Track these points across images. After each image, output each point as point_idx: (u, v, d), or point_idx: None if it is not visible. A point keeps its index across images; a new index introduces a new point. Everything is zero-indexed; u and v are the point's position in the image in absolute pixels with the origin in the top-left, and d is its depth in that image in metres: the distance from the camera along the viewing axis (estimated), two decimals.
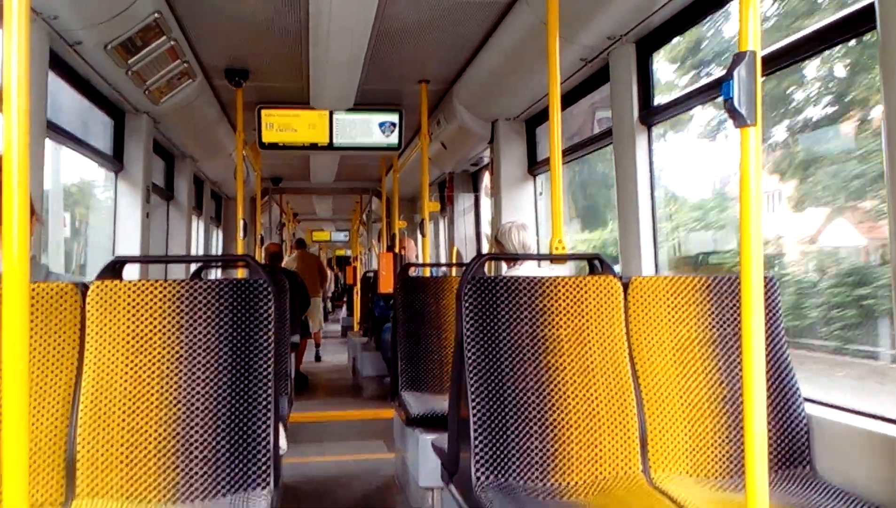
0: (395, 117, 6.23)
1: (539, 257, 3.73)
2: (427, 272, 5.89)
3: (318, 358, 10.55)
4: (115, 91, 4.43)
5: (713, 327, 2.51)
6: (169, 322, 2.19)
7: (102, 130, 4.85)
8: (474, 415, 2.30)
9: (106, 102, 4.65)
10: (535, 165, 5.67)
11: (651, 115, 3.66)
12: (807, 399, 2.46)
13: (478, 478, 2.25)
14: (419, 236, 6.17)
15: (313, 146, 6.25)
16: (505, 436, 2.30)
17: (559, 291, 2.45)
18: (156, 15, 3.74)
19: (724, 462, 2.40)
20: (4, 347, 1.40)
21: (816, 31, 2.55)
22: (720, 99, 1.53)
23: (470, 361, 2.35)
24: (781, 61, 2.75)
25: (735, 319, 2.51)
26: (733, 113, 1.48)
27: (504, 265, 4.00)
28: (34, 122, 3.08)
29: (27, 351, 1.41)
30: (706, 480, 2.35)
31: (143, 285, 2.21)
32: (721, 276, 2.57)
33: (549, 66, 2.94)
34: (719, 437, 2.41)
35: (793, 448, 2.39)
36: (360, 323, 10.58)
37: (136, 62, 4.05)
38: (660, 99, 3.67)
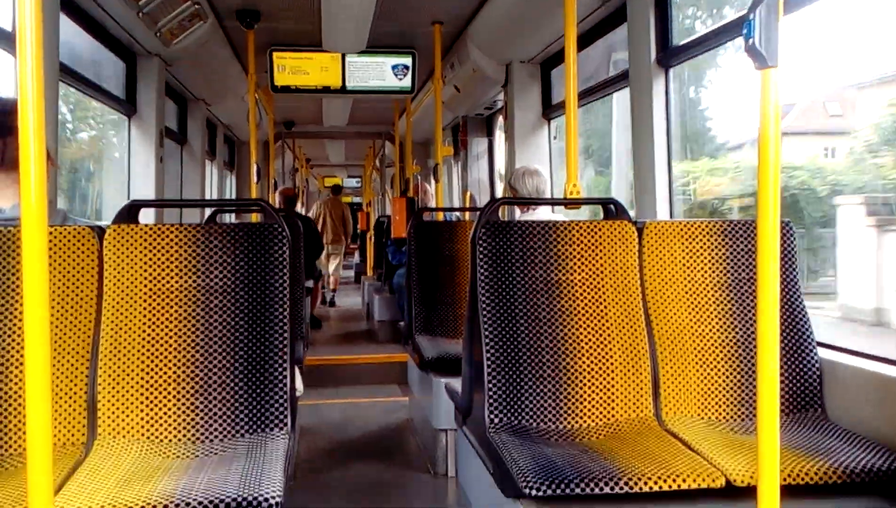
0: (408, 60, 6.15)
1: (553, 202, 3.72)
2: (440, 217, 5.89)
3: (331, 303, 10.64)
4: (126, 33, 4.39)
5: (728, 271, 2.50)
6: (185, 266, 2.21)
7: (114, 72, 4.82)
8: (488, 359, 2.32)
9: (118, 45, 4.62)
10: (550, 108, 5.60)
11: (669, 56, 3.60)
12: (819, 344, 2.47)
13: (491, 420, 2.28)
14: (432, 181, 6.14)
15: (326, 89, 6.21)
16: (518, 379, 2.32)
17: (573, 235, 2.45)
18: None
19: (735, 406, 2.42)
20: (25, 290, 1.42)
21: None
22: (741, 39, 1.49)
23: (484, 305, 2.36)
24: (805, 0, 2.69)
25: (750, 264, 2.50)
26: (754, 54, 1.45)
27: (517, 210, 3.99)
28: (47, 65, 3.05)
29: (47, 294, 1.43)
30: (717, 423, 2.38)
31: (160, 228, 2.22)
32: (736, 220, 2.56)
33: (566, 6, 2.89)
34: (731, 381, 2.43)
35: (805, 392, 2.40)
36: (374, 268, 10.64)
37: (148, 3, 4.01)
38: (678, 39, 3.60)
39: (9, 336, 2.11)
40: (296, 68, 6.05)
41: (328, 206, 11.07)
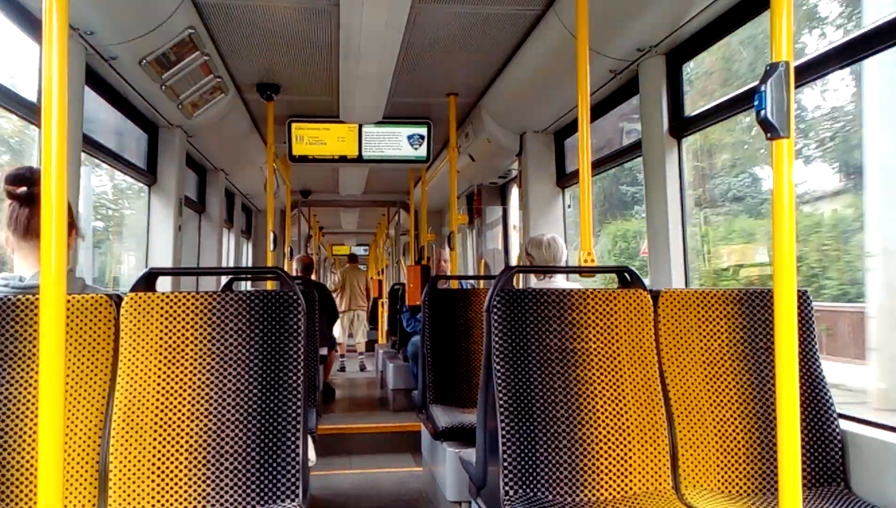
0: (423, 130, 6.25)
1: (568, 270, 3.71)
2: (455, 285, 5.89)
3: (361, 368, 10.89)
4: (149, 105, 4.50)
5: (745, 340, 2.48)
6: (201, 334, 2.22)
7: (136, 143, 4.93)
8: (503, 428, 2.29)
9: (140, 117, 4.73)
10: (564, 177, 5.65)
11: (681, 126, 3.64)
12: (841, 415, 2.42)
13: (506, 492, 2.23)
14: (447, 249, 6.16)
15: (342, 159, 6.29)
16: (534, 450, 2.28)
17: (588, 303, 2.44)
18: (190, 30, 3.80)
19: (755, 479, 2.36)
20: (41, 357, 1.42)
21: (850, 42, 2.52)
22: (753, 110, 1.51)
23: (498, 374, 2.34)
24: (815, 72, 2.72)
25: (767, 332, 2.48)
26: (766, 125, 1.46)
27: (533, 278, 3.98)
28: (71, 136, 3.13)
29: (63, 362, 1.44)
30: (738, 497, 2.32)
31: (176, 296, 2.24)
32: (753, 289, 2.54)
33: (578, 78, 2.94)
34: (751, 453, 2.38)
35: (827, 465, 2.35)
36: (388, 335, 10.63)
37: (170, 77, 4.12)
38: (690, 110, 3.65)
39: (23, 405, 2.11)
40: (313, 138, 6.16)
41: (350, 274, 11.47)
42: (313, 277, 12.71)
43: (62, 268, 1.47)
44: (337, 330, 10.67)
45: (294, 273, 7.73)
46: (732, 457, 2.38)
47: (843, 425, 2.40)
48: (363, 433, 6.13)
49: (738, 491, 2.34)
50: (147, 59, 3.76)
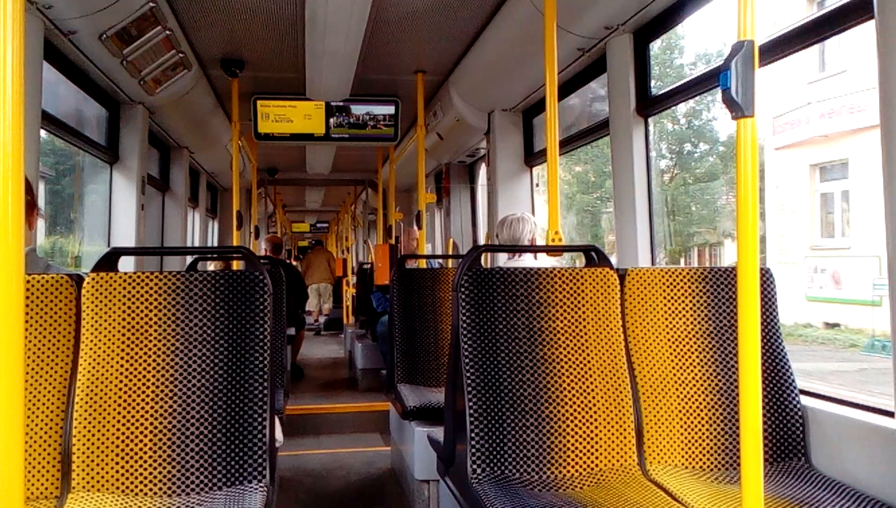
0: (391, 108, 6.20)
1: (535, 249, 3.72)
2: (423, 264, 5.88)
3: (318, 332, 12.46)
4: (110, 81, 4.41)
5: (709, 318, 2.51)
6: (165, 314, 2.19)
7: (97, 120, 4.82)
8: (470, 407, 2.29)
9: (101, 93, 4.63)
10: (532, 155, 5.66)
11: (648, 105, 3.65)
12: (802, 392, 2.47)
13: (473, 470, 2.25)
14: (415, 228, 6.14)
15: (309, 137, 6.22)
16: (501, 428, 2.30)
17: (556, 282, 2.45)
18: (151, 4, 3.71)
19: (719, 455, 2.40)
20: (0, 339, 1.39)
21: (815, 21, 2.54)
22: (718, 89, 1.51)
23: (466, 353, 2.35)
24: (779, 51, 2.74)
25: (731, 310, 2.51)
26: (731, 104, 1.47)
27: (501, 257, 3.99)
28: (29, 113, 3.05)
29: (22, 344, 1.41)
30: (701, 472, 2.36)
31: (139, 276, 2.20)
32: (717, 267, 2.57)
33: (546, 56, 2.93)
34: (715, 429, 2.42)
35: (788, 441, 2.39)
36: (355, 315, 10.61)
37: (131, 52, 4.03)
38: (657, 89, 3.66)
39: None
40: (280, 116, 6.08)
41: (314, 255, 13.33)
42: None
43: (20, 248, 1.43)
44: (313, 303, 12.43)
45: (262, 253, 7.66)
46: (696, 433, 2.41)
47: (804, 401, 2.44)
48: (331, 413, 6.12)
49: (701, 467, 2.38)
50: (107, 34, 3.68)
